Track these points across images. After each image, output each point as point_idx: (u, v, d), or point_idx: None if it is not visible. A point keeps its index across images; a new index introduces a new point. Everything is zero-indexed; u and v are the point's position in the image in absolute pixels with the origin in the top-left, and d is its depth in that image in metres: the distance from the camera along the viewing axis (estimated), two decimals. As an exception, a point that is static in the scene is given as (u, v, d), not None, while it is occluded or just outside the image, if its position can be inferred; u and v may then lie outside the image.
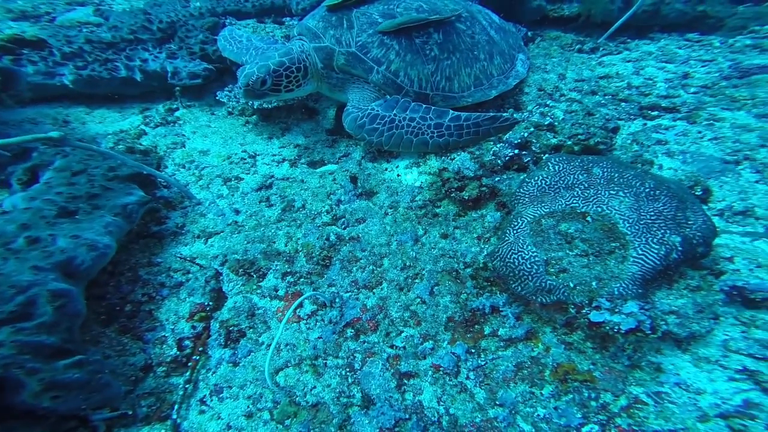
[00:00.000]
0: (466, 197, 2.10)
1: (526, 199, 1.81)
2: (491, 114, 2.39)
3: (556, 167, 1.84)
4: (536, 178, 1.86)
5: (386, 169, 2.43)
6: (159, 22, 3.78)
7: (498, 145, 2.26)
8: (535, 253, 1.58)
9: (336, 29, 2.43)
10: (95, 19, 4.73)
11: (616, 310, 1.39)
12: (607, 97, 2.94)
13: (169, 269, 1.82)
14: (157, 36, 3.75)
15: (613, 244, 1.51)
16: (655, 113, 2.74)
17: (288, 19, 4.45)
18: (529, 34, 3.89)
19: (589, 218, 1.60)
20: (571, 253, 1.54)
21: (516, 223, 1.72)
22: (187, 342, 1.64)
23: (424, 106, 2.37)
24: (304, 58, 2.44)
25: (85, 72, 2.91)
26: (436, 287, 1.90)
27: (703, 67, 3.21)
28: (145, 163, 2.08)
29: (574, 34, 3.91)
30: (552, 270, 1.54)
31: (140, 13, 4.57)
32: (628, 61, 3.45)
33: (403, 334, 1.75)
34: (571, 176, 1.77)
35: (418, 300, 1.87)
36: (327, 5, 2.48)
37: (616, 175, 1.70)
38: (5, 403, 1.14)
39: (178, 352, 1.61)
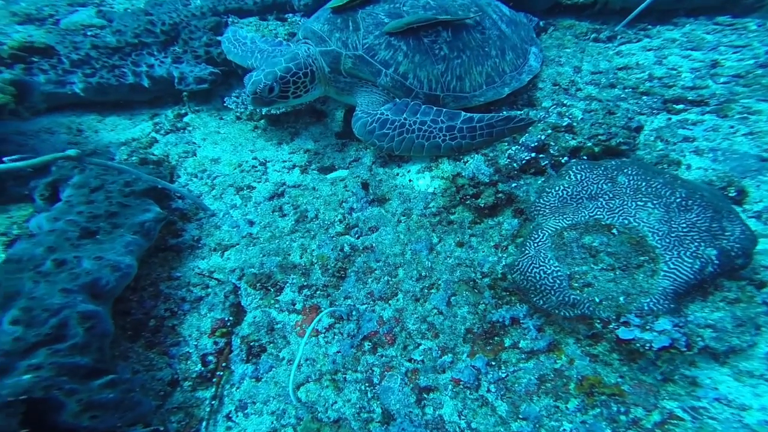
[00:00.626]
0: (482, 204, 2.07)
1: (547, 211, 1.77)
2: (505, 114, 2.33)
3: (578, 176, 1.79)
4: (557, 188, 1.81)
5: (398, 175, 2.40)
6: (162, 24, 3.74)
7: (513, 147, 2.21)
8: (558, 268, 1.56)
9: (342, 32, 2.37)
10: (98, 21, 4.70)
11: (647, 327, 1.37)
12: (627, 90, 2.82)
13: (189, 284, 1.85)
14: (161, 39, 3.72)
15: (642, 258, 1.48)
16: (681, 107, 2.61)
17: (291, 15, 4.36)
18: (541, 23, 3.74)
19: (614, 231, 1.56)
20: (596, 267, 1.51)
21: (536, 236, 1.68)
22: (210, 357, 1.67)
23: (434, 108, 2.32)
24: (310, 62, 2.39)
25: (93, 79, 2.91)
26: (453, 297, 1.89)
27: (735, 53, 3.01)
28: (158, 175, 2.09)
29: (589, 22, 3.74)
30: (576, 284, 1.52)
31: (142, 14, 4.52)
32: (649, 50, 3.29)
33: (421, 347, 1.75)
34: (595, 186, 1.72)
35: (435, 311, 1.86)
36: (331, 7, 2.41)
37: (644, 184, 1.64)
38: (50, 423, 1.19)
39: (202, 368, 1.65)
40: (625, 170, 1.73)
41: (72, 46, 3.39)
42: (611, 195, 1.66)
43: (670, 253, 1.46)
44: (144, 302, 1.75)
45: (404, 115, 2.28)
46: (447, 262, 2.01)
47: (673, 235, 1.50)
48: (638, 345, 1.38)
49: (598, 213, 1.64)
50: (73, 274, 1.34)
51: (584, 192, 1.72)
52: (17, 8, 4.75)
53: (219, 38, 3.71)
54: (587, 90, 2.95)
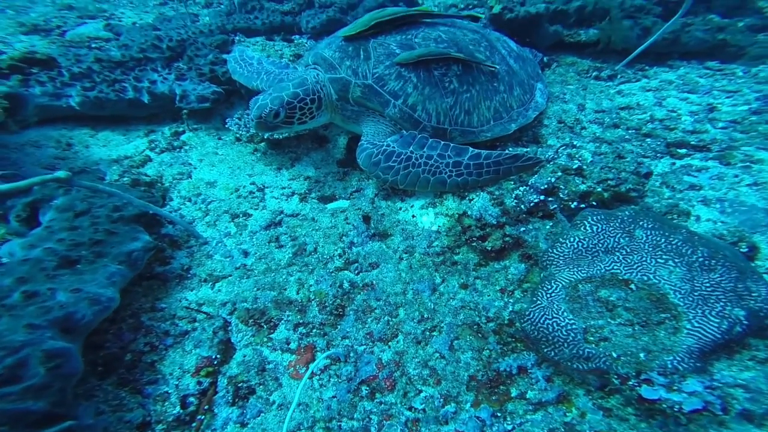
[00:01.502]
0: (489, 248, 2.02)
1: (561, 262, 1.72)
2: (513, 152, 2.32)
3: (594, 228, 1.76)
4: (572, 239, 1.77)
5: (401, 209, 2.36)
6: (169, 40, 3.76)
7: (521, 188, 2.18)
8: (572, 321, 1.50)
9: (353, 60, 2.38)
10: (105, 34, 4.72)
11: (675, 387, 1.30)
12: (630, 131, 2.87)
13: (174, 316, 1.74)
14: (167, 55, 3.72)
15: (663, 315, 1.43)
16: (684, 151, 2.66)
17: (297, 37, 4.43)
18: (545, 59, 3.85)
19: (632, 286, 1.52)
20: (613, 321, 1.46)
21: (549, 287, 1.63)
22: (191, 399, 1.54)
23: (442, 142, 2.30)
24: (318, 89, 2.38)
25: (92, 93, 2.86)
26: (456, 341, 1.81)
27: (728, 98, 3.14)
28: (150, 198, 2.01)
29: (590, 60, 3.86)
30: (591, 338, 1.46)
31: (150, 29, 4.56)
32: (648, 90, 3.39)
33: (422, 394, 1.65)
34: (611, 239, 1.69)
35: (437, 355, 1.78)
36: (343, 35, 2.43)
37: (663, 240, 1.62)
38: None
39: (181, 410, 1.52)
40: (641, 223, 1.71)
41: (75, 58, 3.37)
42: (629, 250, 1.63)
43: (693, 311, 1.42)
44: (122, 335, 1.62)
45: (411, 148, 2.26)
46: (450, 304, 1.94)
47: (696, 293, 1.46)
48: (665, 406, 1.31)
49: (615, 267, 1.60)
50: (43, 308, 1.23)
51: (600, 245, 1.69)
52: (26, 19, 4.76)
53: (225, 56, 3.73)
54: (591, 129, 3.00)
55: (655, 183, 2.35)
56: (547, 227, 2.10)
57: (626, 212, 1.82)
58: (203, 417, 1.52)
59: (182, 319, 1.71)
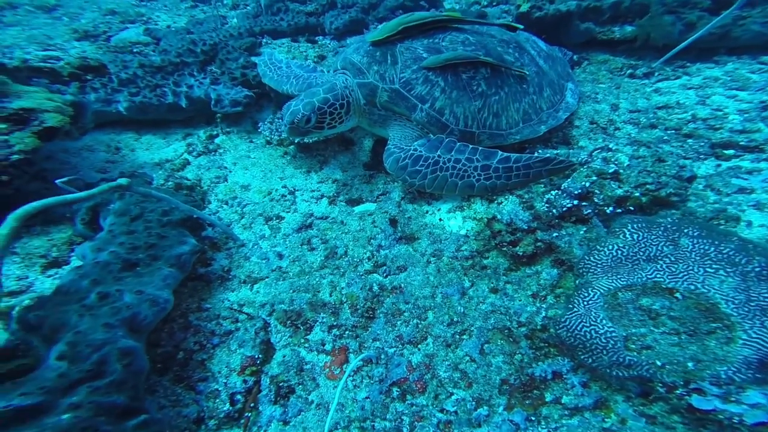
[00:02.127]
0: (520, 253, 2.03)
1: (598, 270, 1.72)
2: (543, 156, 2.30)
3: (635, 236, 1.73)
4: (610, 246, 1.76)
5: (427, 212, 2.39)
6: (203, 44, 3.92)
7: (553, 192, 2.17)
8: (612, 329, 1.51)
9: (380, 65, 2.41)
10: (144, 38, 4.97)
11: (732, 398, 1.28)
12: (669, 131, 2.77)
13: (219, 316, 1.86)
14: (201, 59, 3.88)
15: (713, 325, 1.41)
16: (731, 152, 2.53)
17: (320, 38, 4.51)
18: (575, 57, 3.74)
19: (678, 295, 1.50)
20: (656, 329, 1.45)
21: (586, 294, 1.63)
22: (238, 396, 1.66)
23: (470, 146, 2.32)
24: (347, 94, 2.44)
25: (137, 98, 3.05)
26: (486, 345, 1.85)
27: (786, 95, 2.93)
28: (192, 202, 2.14)
29: (624, 57, 3.72)
30: (633, 346, 1.46)
31: (184, 32, 4.76)
32: (690, 88, 3.24)
33: (453, 397, 1.70)
34: (654, 247, 1.66)
35: (468, 358, 1.82)
36: (371, 40, 2.47)
37: (712, 249, 1.58)
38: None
39: (230, 407, 1.64)
40: (687, 231, 1.67)
41: (122, 64, 3.58)
42: (673, 258, 1.60)
43: (750, 322, 1.39)
44: (174, 334, 1.76)
45: (438, 152, 2.28)
46: (480, 308, 1.97)
47: (752, 304, 1.43)
48: (722, 417, 1.30)
49: (658, 276, 1.58)
50: (114, 308, 1.37)
51: (641, 253, 1.67)
52: (78, 25, 5.07)
53: (254, 59, 3.86)
54: (626, 129, 2.91)
55: (698, 186, 2.26)
56: (581, 232, 2.08)
57: (669, 219, 1.78)
58: (250, 414, 1.64)
59: (226, 319, 1.84)
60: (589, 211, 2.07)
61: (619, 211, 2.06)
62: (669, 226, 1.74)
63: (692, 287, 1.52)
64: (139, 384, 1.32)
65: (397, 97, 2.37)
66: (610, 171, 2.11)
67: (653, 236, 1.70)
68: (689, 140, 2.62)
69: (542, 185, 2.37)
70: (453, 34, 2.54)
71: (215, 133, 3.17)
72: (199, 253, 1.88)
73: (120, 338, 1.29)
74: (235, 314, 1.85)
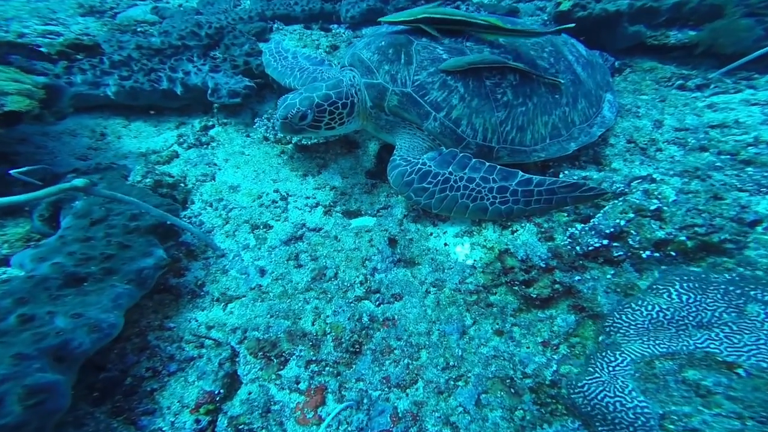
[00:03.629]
0: (534, 295, 1.79)
1: (631, 331, 1.47)
2: (571, 180, 2.04)
3: (684, 297, 1.47)
4: (649, 307, 1.50)
5: (431, 234, 2.17)
6: (208, 27, 3.76)
7: (578, 227, 1.91)
8: (644, 403, 1.26)
9: (392, 64, 2.18)
10: (152, 17, 4.86)
11: None
12: (722, 156, 2.43)
13: (182, 339, 1.69)
14: (204, 42, 3.73)
15: None
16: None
17: (335, 26, 4.29)
18: (617, 64, 3.41)
19: (741, 371, 1.24)
20: (706, 410, 1.20)
21: (612, 358, 1.40)
22: (187, 438, 1.49)
23: (486, 164, 2.07)
24: (353, 93, 2.22)
25: (128, 83, 2.90)
26: (484, 396, 1.64)
27: None
28: (169, 205, 1.96)
29: (674, 66, 3.37)
30: (672, 427, 1.21)
31: (193, 12, 4.62)
32: (754, 104, 2.86)
33: (439, 460, 1.50)
34: (709, 313, 1.40)
35: (461, 410, 1.61)
36: (386, 21, 2.22)
37: None
38: None
39: (174, 450, 1.46)
40: (755, 295, 1.39)
41: (117, 45, 3.45)
42: (735, 328, 1.34)
43: None
44: (125, 356, 1.59)
45: (450, 169, 2.05)
46: (481, 352, 1.75)
47: None
48: None
49: (712, 346, 1.32)
50: (38, 335, 1.19)
51: (691, 318, 1.40)
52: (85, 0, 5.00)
53: (262, 45, 3.67)
54: (669, 151, 2.60)
55: (757, 228, 1.96)
56: (608, 276, 1.83)
57: (728, 278, 1.50)
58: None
59: (190, 343, 1.67)
60: (621, 253, 1.80)
61: (657, 255, 1.79)
62: (731, 289, 1.46)
63: (763, 364, 1.26)
64: (45, 426, 1.13)
65: (408, 103, 2.14)
66: (652, 208, 1.82)
67: (709, 300, 1.43)
68: (748, 168, 2.28)
69: (566, 213, 2.12)
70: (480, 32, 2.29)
71: (211, 123, 3.01)
72: (166, 268, 1.71)
73: (33, 372, 1.11)
74: (201, 339, 1.68)
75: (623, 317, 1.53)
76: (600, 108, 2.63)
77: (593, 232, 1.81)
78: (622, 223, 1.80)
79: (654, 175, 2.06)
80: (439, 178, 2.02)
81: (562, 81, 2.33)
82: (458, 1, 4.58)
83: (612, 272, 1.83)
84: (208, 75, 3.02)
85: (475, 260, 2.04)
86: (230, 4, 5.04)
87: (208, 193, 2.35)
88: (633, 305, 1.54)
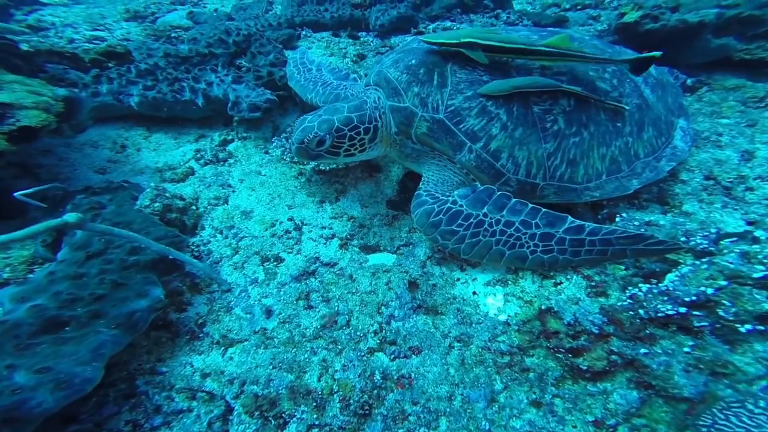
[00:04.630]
0: (584, 368, 1.55)
1: None
2: (634, 232, 1.76)
3: None
4: None
5: (458, 280, 1.97)
6: (236, 34, 3.77)
7: (643, 287, 1.64)
8: None
9: (422, 85, 2.00)
10: (186, 22, 5.02)
11: None
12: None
13: (173, 387, 1.60)
14: (231, 50, 3.74)
15: None
16: None
17: (363, 34, 4.19)
18: (689, 82, 3.04)
19: None
20: None
21: None
22: None
23: (529, 206, 1.84)
24: (376, 117, 2.07)
25: (150, 93, 2.93)
26: (513, 486, 1.41)
27: None
28: (173, 240, 1.87)
29: None
30: None
31: (225, 18, 4.70)
32: None
33: None
34: None
35: (485, 504, 1.40)
36: (425, 39, 2.03)
37: None
38: None
39: None
40: None
41: (147, 53, 3.54)
42: None
43: None
44: (105, 405, 1.48)
45: (485, 209, 1.84)
46: (512, 426, 1.54)
47: None
48: None
49: None
50: (-13, 393, 1.11)
51: None
52: (132, 5, 5.29)
53: (288, 53, 3.64)
54: (764, 190, 2.23)
55: None
56: (686, 349, 1.53)
57: None
58: None
59: (181, 392, 1.58)
60: (706, 324, 1.51)
61: (762, 328, 1.47)
62: None
63: None
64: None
65: (439, 131, 1.95)
66: (756, 276, 1.50)
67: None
68: None
69: (623, 266, 1.85)
70: None
71: (230, 138, 2.98)
72: (162, 309, 1.63)
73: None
74: (194, 386, 1.58)
75: (731, 420, 1.24)
76: (670, 137, 2.31)
77: (665, 298, 1.54)
78: (710, 291, 1.50)
79: (756, 233, 1.72)
80: (472, 220, 1.82)
81: (627, 107, 2.06)
82: (498, 10, 4.34)
83: (691, 343, 1.54)
84: (230, 87, 3.00)
85: (509, 316, 1.82)
86: (262, 9, 5.10)
87: (219, 218, 2.29)
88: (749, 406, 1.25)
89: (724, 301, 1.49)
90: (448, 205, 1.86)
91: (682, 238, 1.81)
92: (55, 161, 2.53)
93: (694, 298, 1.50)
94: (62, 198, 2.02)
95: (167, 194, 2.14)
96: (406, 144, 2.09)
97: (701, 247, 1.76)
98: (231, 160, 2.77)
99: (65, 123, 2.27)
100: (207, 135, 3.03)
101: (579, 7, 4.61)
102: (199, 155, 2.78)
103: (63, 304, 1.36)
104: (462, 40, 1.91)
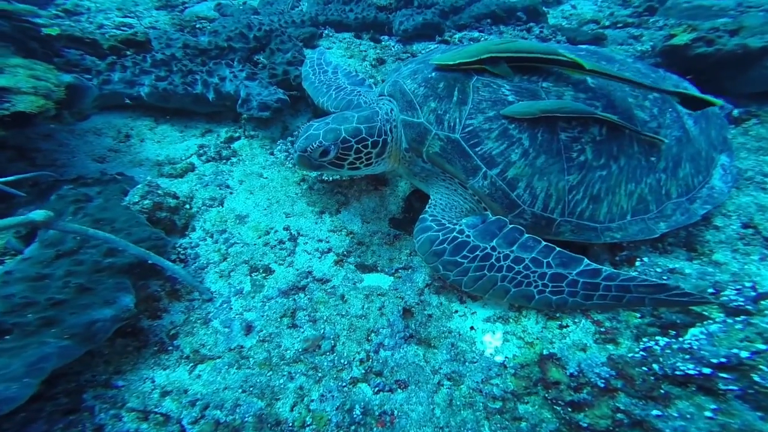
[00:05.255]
0: (584, 425, 1.36)
1: None
2: (656, 281, 1.57)
3: None
4: None
5: (456, 312, 1.81)
6: (257, 29, 3.71)
7: (661, 341, 1.45)
8: None
9: (440, 101, 1.85)
10: (213, 14, 5.00)
11: None
12: None
13: (124, 405, 1.46)
14: (251, 45, 3.68)
15: None
16: None
17: (385, 38, 4.07)
18: (736, 113, 2.79)
19: None
20: None
21: None
22: None
23: (542, 243, 1.67)
24: (387, 130, 1.93)
25: (162, 84, 2.87)
26: None
27: None
28: (155, 237, 1.76)
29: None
30: None
31: (251, 12, 4.65)
32: None
33: None
34: None
35: None
36: (436, 63, 1.91)
37: None
38: None
39: None
40: None
41: (167, 42, 3.50)
42: None
43: None
44: (32, 423, 1.31)
45: (493, 242, 1.67)
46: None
47: None
48: None
49: None
50: None
51: None
52: None
53: (306, 52, 3.54)
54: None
55: None
56: (707, 413, 1.33)
57: None
58: None
59: (132, 411, 1.44)
60: (734, 388, 1.30)
61: None
62: None
63: None
64: None
65: (453, 152, 1.79)
66: None
67: None
68: None
69: (638, 313, 1.66)
70: (563, 70, 1.87)
71: (237, 135, 2.89)
72: (128, 320, 1.49)
73: None
74: (150, 406, 1.44)
75: None
76: (709, 175, 2.09)
77: (687, 356, 1.35)
78: (744, 354, 1.31)
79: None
80: (478, 253, 1.65)
81: (665, 140, 1.85)
82: (531, 23, 4.14)
83: (713, 407, 1.33)
84: (243, 83, 2.91)
85: (506, 357, 1.65)
86: (288, 5, 5.03)
87: (212, 220, 2.18)
88: None
89: (762, 366, 1.29)
90: (455, 234, 1.70)
91: (710, 290, 1.62)
92: (55, 146, 2.48)
93: (723, 360, 1.33)
94: (50, 187, 1.94)
95: (159, 192, 2.04)
96: (416, 162, 1.94)
97: (734, 303, 1.56)
98: (234, 159, 2.67)
99: (66, 110, 2.20)
100: (214, 130, 2.94)
101: (620, 25, 4.37)
102: (202, 151, 2.69)
103: (12, 309, 1.24)
104: (482, 57, 1.75)
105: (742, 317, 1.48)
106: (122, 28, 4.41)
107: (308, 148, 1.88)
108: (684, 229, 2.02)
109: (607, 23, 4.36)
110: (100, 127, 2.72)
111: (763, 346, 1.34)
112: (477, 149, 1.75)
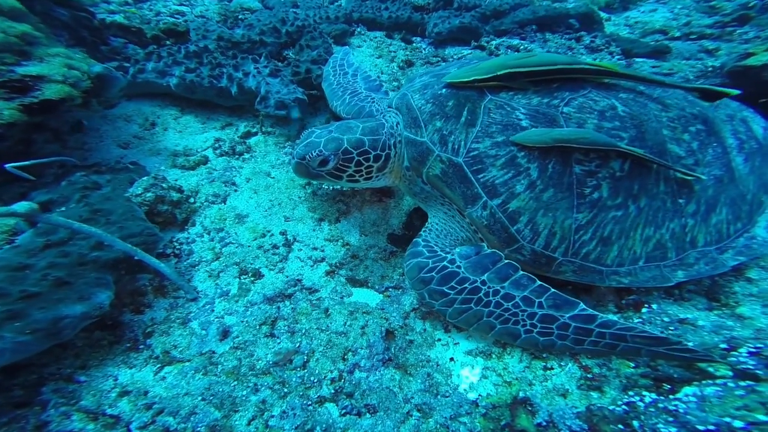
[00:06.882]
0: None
1: None
2: (657, 333, 1.34)
3: None
4: None
5: (439, 341, 1.67)
6: (291, 24, 3.62)
7: (647, 397, 1.26)
8: None
9: (447, 120, 1.66)
10: (257, 5, 4.96)
11: None
12: None
13: (78, 401, 1.40)
14: (282, 40, 3.60)
15: None
16: None
17: (418, 39, 3.84)
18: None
19: None
20: None
21: None
22: None
23: (537, 282, 1.48)
24: (391, 144, 1.77)
25: (189, 76, 2.85)
26: None
27: None
28: (146, 232, 1.71)
29: None
30: None
31: (290, 5, 4.56)
32: None
33: None
34: None
35: None
36: (448, 81, 1.71)
37: None
38: None
39: None
40: None
41: (203, 34, 3.49)
42: None
43: None
44: None
45: (484, 276, 1.49)
46: None
47: None
48: None
49: None
50: None
51: None
52: None
53: (334, 48, 3.42)
54: None
55: None
56: None
57: None
58: None
59: (83, 411, 1.38)
60: None
61: None
62: None
63: None
64: None
65: (454, 176, 1.61)
66: None
67: None
68: None
69: (632, 363, 1.43)
70: (591, 94, 1.63)
71: (254, 131, 2.82)
72: (99, 317, 1.43)
73: None
74: (104, 407, 1.38)
75: None
76: (751, 222, 1.77)
77: (671, 419, 1.15)
78: (737, 424, 1.09)
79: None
80: (467, 285, 1.48)
81: (702, 176, 1.57)
82: (582, 32, 3.74)
83: None
84: (265, 79, 2.83)
85: (480, 395, 1.49)
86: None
87: (212, 217, 2.13)
88: None
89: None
90: (445, 263, 1.54)
91: (723, 346, 1.39)
92: (86, 131, 2.51)
93: (711, 427, 1.12)
94: (67, 171, 1.95)
95: (163, 185, 2.01)
96: (415, 182, 1.78)
97: (743, 366, 1.31)
98: (247, 155, 2.62)
99: (95, 98, 2.20)
100: (234, 124, 2.90)
101: (693, 36, 3.78)
102: (217, 144, 2.65)
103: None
104: (499, 73, 1.54)
105: (748, 382, 1.24)
106: (175, 15, 4.46)
107: (307, 156, 1.76)
108: (709, 278, 1.73)
109: (678, 34, 3.81)
110: (130, 114, 2.76)
111: (764, 417, 1.10)
112: (480, 176, 1.56)
